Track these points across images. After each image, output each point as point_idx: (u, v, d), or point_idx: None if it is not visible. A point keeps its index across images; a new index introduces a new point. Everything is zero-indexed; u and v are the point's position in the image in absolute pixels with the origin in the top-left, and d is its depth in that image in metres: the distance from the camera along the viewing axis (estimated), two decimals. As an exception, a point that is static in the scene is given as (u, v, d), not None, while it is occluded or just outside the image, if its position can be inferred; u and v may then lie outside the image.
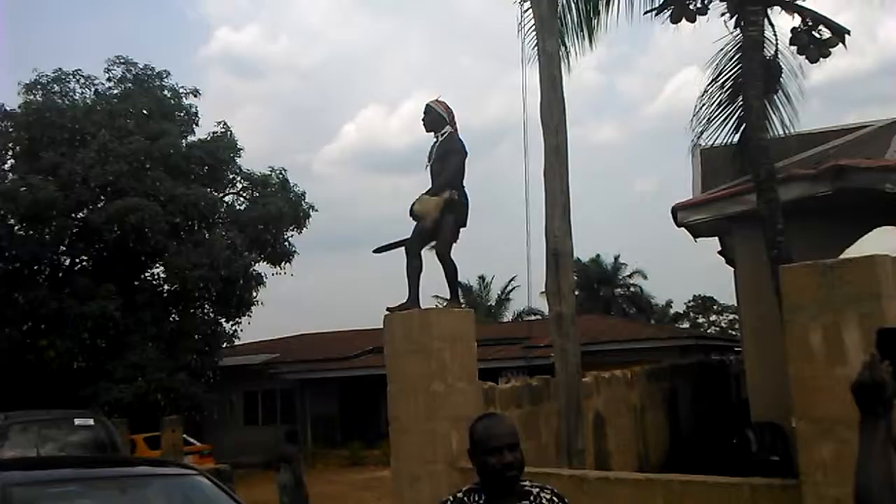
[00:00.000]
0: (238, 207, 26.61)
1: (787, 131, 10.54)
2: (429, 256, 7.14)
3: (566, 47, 9.95)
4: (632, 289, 46.28)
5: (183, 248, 23.02)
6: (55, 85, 24.68)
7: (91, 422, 11.49)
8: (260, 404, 28.10)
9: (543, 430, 8.58)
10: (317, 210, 26.72)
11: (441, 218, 6.92)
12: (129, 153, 22.43)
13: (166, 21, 76.59)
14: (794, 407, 4.53)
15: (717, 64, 10.33)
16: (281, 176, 26.57)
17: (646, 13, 10.09)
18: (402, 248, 7.15)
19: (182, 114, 25.96)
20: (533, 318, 28.28)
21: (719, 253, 14.88)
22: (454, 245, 7.13)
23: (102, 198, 22.93)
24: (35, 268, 23.15)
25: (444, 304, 7.78)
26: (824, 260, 4.48)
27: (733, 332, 37.04)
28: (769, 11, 9.50)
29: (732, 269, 12.64)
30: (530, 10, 8.74)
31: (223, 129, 26.08)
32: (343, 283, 60.76)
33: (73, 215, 23.10)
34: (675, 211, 11.40)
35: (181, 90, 26.25)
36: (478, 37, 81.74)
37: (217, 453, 20.31)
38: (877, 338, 1.98)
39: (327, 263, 63.02)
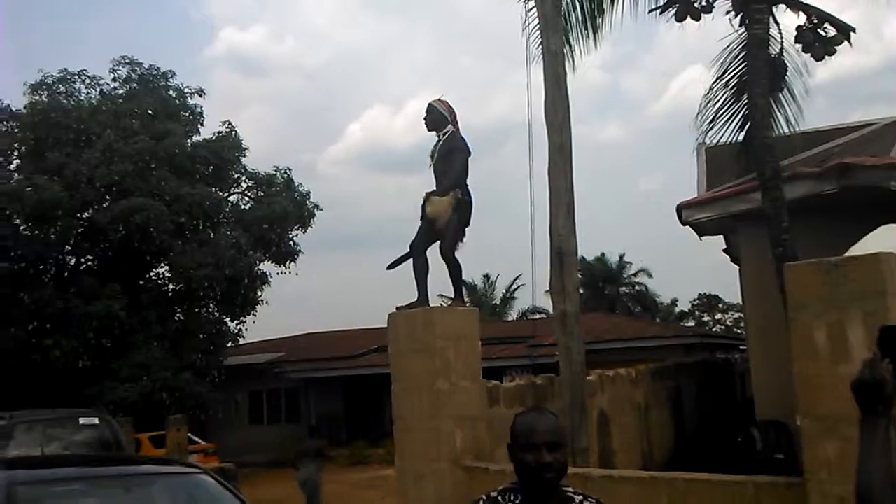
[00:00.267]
0: (243, 207, 26.65)
1: (792, 129, 10.52)
2: (432, 256, 7.15)
3: (570, 46, 9.95)
4: (637, 287, 46.27)
5: (188, 247, 23.06)
6: (60, 85, 24.71)
7: (96, 421, 11.49)
8: (265, 403, 28.14)
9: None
10: (322, 209, 26.76)
11: (447, 219, 6.94)
12: (134, 153, 22.47)
13: (171, 21, 76.81)
14: (798, 405, 4.53)
15: (723, 62, 10.33)
16: (286, 175, 26.61)
17: (650, 11, 10.08)
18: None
19: (187, 114, 25.98)
20: (537, 316, 28.30)
21: (724, 251, 14.86)
22: (460, 244, 7.14)
23: (108, 198, 22.97)
24: (40, 267, 23.20)
25: (449, 302, 7.76)
26: (829, 258, 4.47)
27: (738, 331, 36.98)
28: (774, 9, 9.48)
29: (737, 267, 12.61)
30: (535, 9, 8.75)
31: (228, 129, 26.11)
32: (347, 282, 60.84)
33: (79, 215, 23.14)
34: (680, 209, 11.40)
35: (186, 90, 26.29)
36: (482, 36, 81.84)
37: (222, 452, 20.35)
38: (878, 335, 1.96)
39: (332, 263, 63.14)
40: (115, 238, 22.43)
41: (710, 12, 9.77)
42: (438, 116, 7.22)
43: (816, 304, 4.37)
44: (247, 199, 26.97)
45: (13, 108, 24.12)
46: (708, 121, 10.58)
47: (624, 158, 74.00)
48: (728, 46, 10.16)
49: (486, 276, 45.89)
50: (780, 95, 10.18)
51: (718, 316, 51.20)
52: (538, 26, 8.55)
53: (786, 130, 10.39)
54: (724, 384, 19.98)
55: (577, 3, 10.15)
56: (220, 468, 14.42)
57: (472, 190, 7.17)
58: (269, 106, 73.56)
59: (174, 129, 24.31)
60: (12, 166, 24.22)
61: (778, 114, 10.19)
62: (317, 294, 57.04)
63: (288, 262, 26.17)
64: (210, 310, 25.21)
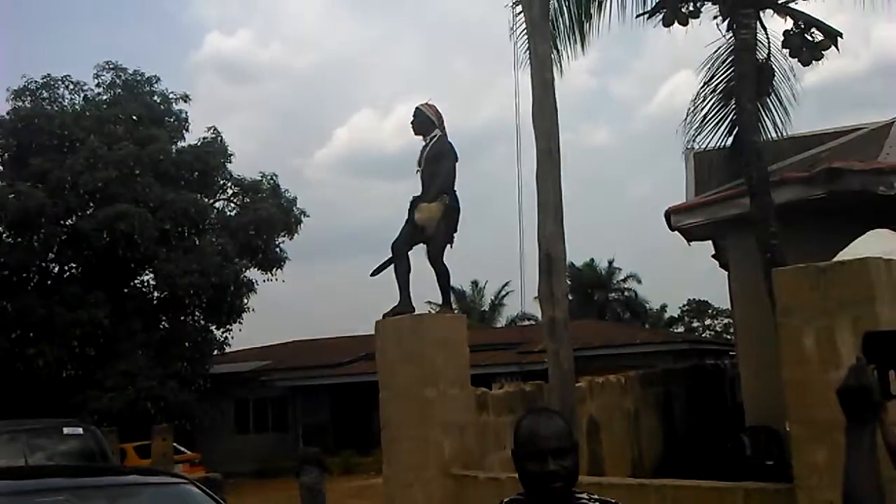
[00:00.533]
0: (229, 213, 26.58)
1: (780, 134, 10.57)
2: (420, 262, 7.10)
3: (558, 51, 9.95)
4: (626, 293, 46.40)
5: (173, 254, 22.94)
6: (44, 91, 24.62)
7: (80, 431, 11.36)
8: (251, 412, 27.94)
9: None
10: (308, 216, 26.74)
11: (435, 226, 6.90)
12: (118, 159, 22.37)
13: (157, 26, 76.47)
14: (788, 411, 4.54)
15: (710, 67, 10.36)
16: (272, 181, 26.58)
17: (638, 16, 10.10)
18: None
19: (172, 119, 25.93)
20: (526, 323, 28.29)
21: (713, 256, 14.89)
22: (447, 250, 7.09)
23: (91, 204, 22.85)
24: (23, 275, 23.02)
25: (437, 309, 7.70)
26: (817, 263, 4.48)
27: (728, 337, 37.11)
28: (761, 14, 9.52)
29: (726, 272, 12.62)
30: (522, 14, 8.72)
31: (214, 135, 26.07)
32: (334, 288, 60.62)
33: (62, 222, 23.00)
34: (668, 215, 11.39)
35: (171, 95, 26.24)
36: (470, 41, 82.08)
37: (208, 462, 20.20)
38: (863, 342, 1.96)
39: (319, 269, 62.90)
40: (99, 245, 22.27)
41: (698, 17, 9.79)
42: (425, 120, 7.19)
43: (805, 310, 4.38)
44: (232, 205, 26.91)
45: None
46: (696, 126, 10.62)
47: (612, 164, 74.23)
48: (716, 51, 10.21)
49: (475, 283, 45.98)
50: (768, 100, 10.22)
51: (708, 322, 51.47)
52: (526, 31, 8.52)
53: (774, 135, 10.44)
54: (713, 390, 20.01)
55: (565, 8, 10.15)
56: (207, 478, 14.32)
57: (459, 195, 7.15)
58: (256, 111, 73.41)
59: (159, 134, 24.23)
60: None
61: (766, 118, 10.23)
62: (304, 301, 56.84)
63: (274, 269, 26.12)
64: (195, 318, 25.08)
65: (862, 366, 1.86)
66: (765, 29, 9.70)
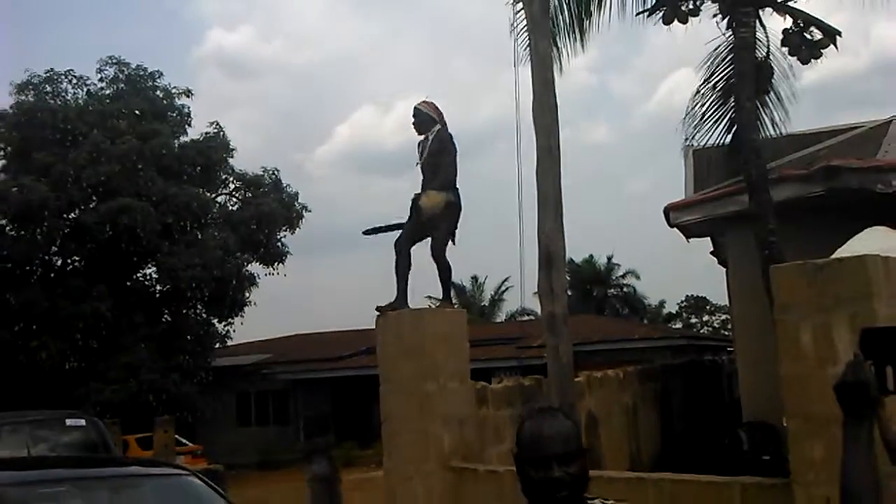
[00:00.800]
0: (231, 208, 26.63)
1: (778, 132, 10.58)
2: (420, 257, 7.17)
3: (558, 48, 9.97)
4: (625, 289, 46.37)
5: (175, 248, 23.02)
6: (47, 85, 24.64)
7: (82, 422, 11.43)
8: (253, 405, 28.06)
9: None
10: (310, 210, 26.79)
11: (439, 217, 6.95)
12: (121, 153, 22.42)
13: (159, 22, 76.36)
14: (785, 406, 4.55)
15: (710, 65, 10.36)
16: (274, 176, 26.62)
17: (638, 14, 10.12)
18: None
19: (174, 114, 25.95)
20: (526, 318, 28.33)
21: (711, 253, 14.92)
22: (449, 247, 7.15)
23: (94, 198, 22.92)
24: (27, 268, 23.11)
25: (437, 304, 7.78)
26: (815, 260, 4.50)
27: (726, 332, 37.14)
28: (761, 13, 9.52)
29: (725, 269, 12.68)
30: (522, 11, 8.76)
31: (216, 130, 26.09)
32: (336, 283, 60.69)
33: (65, 216, 23.07)
34: (667, 211, 11.43)
35: (174, 90, 26.25)
36: (471, 38, 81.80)
37: (210, 454, 20.29)
38: (860, 338, 1.97)
39: (320, 263, 62.96)
40: (102, 239, 22.36)
41: (698, 15, 9.79)
42: (426, 119, 7.26)
43: (802, 306, 4.39)
44: (234, 199, 26.95)
45: (-1, 108, 24.04)
46: (695, 123, 10.63)
47: (612, 160, 74.12)
48: (715, 49, 10.21)
49: (475, 278, 45.95)
50: (767, 98, 10.23)
51: (706, 318, 51.37)
52: (526, 28, 8.57)
53: (772, 133, 10.45)
54: (711, 385, 20.06)
55: (565, 6, 10.17)
56: (208, 469, 14.37)
57: (460, 191, 7.20)
58: (257, 107, 73.27)
59: (161, 129, 24.28)
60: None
61: (764, 116, 10.24)
62: (305, 295, 56.90)
63: (276, 263, 26.17)
64: (198, 311, 25.18)
65: (859, 362, 1.88)
66: (764, 27, 9.71)
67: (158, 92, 25.94)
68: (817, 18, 9.62)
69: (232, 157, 26.31)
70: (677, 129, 10.95)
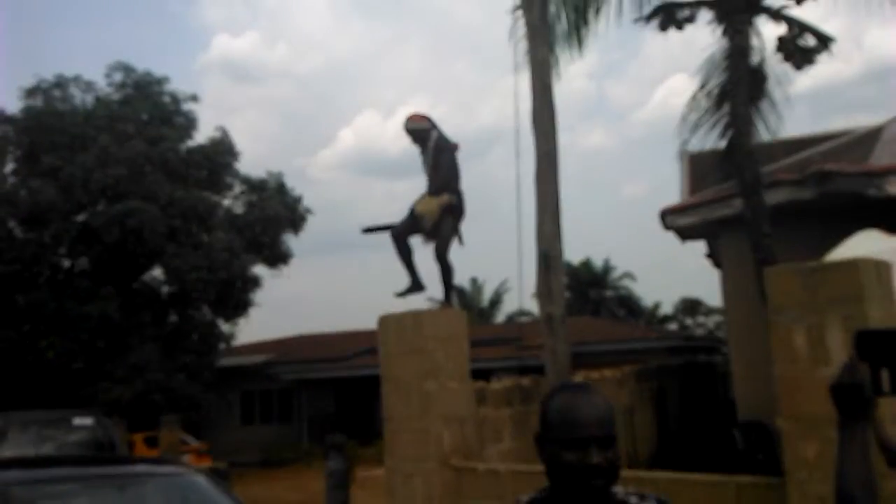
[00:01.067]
0: (236, 211, 26.79)
1: (772, 137, 10.68)
2: (420, 259, 7.25)
3: (556, 54, 10.13)
4: (621, 291, 46.49)
5: (182, 250, 23.17)
6: (56, 90, 24.79)
7: (89, 421, 11.54)
8: (257, 404, 28.26)
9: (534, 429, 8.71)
10: (313, 213, 26.96)
11: (440, 220, 7.01)
12: (129, 157, 22.57)
13: (166, 28, 76.72)
14: (778, 406, 4.61)
15: (705, 71, 10.49)
16: (278, 180, 26.77)
17: (635, 21, 10.26)
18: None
19: (181, 119, 26.09)
20: (524, 319, 28.44)
21: (706, 256, 15.04)
22: (457, 246, 7.21)
23: (102, 201, 23.06)
24: (35, 270, 23.24)
25: (438, 305, 7.94)
26: (808, 263, 4.58)
27: (720, 334, 37.21)
28: (755, 20, 9.67)
29: (719, 271, 12.80)
30: (522, 19, 8.95)
31: (221, 135, 26.23)
32: (338, 284, 60.88)
33: (73, 218, 23.22)
34: (663, 215, 11.53)
35: (180, 96, 26.43)
36: (472, 44, 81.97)
37: (215, 452, 20.49)
38: (855, 339, 1.95)
39: (323, 266, 63.17)
40: (110, 241, 22.49)
41: (693, 22, 9.95)
42: (421, 131, 7.25)
43: (796, 308, 4.46)
44: (240, 203, 27.11)
45: (9, 112, 24.20)
46: (690, 128, 10.75)
47: (609, 164, 74.43)
48: (710, 56, 10.34)
49: (474, 280, 46.10)
50: (761, 104, 10.35)
51: (701, 319, 51.28)
52: (525, 35, 8.76)
53: (766, 138, 10.55)
54: (706, 386, 20.18)
55: (563, 14, 10.33)
56: (213, 468, 14.57)
57: (461, 194, 7.22)
58: (262, 111, 73.65)
59: (168, 134, 24.44)
60: (7, 169, 24.28)
61: (759, 122, 10.37)
62: (309, 297, 57.11)
63: (280, 265, 26.33)
64: (203, 312, 25.33)
65: (854, 363, 1.89)
66: (759, 34, 9.86)
67: (165, 97, 26.07)
68: (811, 25, 9.76)
69: (237, 161, 26.49)
70: (673, 133, 11.09)
